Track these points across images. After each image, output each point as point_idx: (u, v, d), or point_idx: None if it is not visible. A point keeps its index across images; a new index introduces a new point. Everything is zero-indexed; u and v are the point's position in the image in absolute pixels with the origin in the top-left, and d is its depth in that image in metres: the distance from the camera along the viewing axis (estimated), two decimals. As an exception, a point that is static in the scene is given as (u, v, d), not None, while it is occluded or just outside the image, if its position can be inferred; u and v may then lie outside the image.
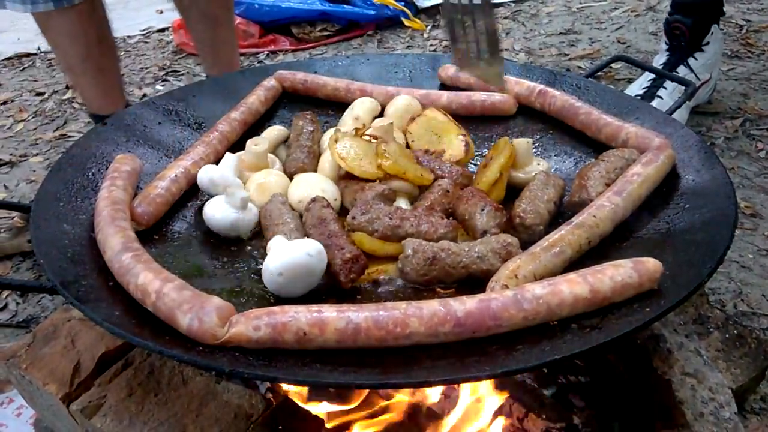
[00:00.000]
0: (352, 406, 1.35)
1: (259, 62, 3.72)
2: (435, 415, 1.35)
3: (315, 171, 1.58)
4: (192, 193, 1.54)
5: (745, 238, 2.11)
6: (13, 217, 2.28)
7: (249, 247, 1.40)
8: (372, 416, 1.35)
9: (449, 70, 1.95)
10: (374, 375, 1.00)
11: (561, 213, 1.47)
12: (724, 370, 1.33)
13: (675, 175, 1.45)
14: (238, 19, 3.71)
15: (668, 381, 1.27)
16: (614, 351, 1.38)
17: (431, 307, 1.03)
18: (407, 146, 1.67)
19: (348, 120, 1.75)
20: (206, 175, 1.49)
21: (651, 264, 1.12)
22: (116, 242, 1.20)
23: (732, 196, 1.30)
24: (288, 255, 1.18)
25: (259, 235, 1.42)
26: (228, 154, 1.57)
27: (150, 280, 1.09)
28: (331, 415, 1.33)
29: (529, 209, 1.36)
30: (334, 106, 1.91)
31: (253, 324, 1.01)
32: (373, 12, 4.01)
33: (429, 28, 4.10)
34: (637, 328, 1.04)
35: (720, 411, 1.22)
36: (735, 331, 1.41)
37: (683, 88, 1.85)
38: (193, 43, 3.86)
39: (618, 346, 1.36)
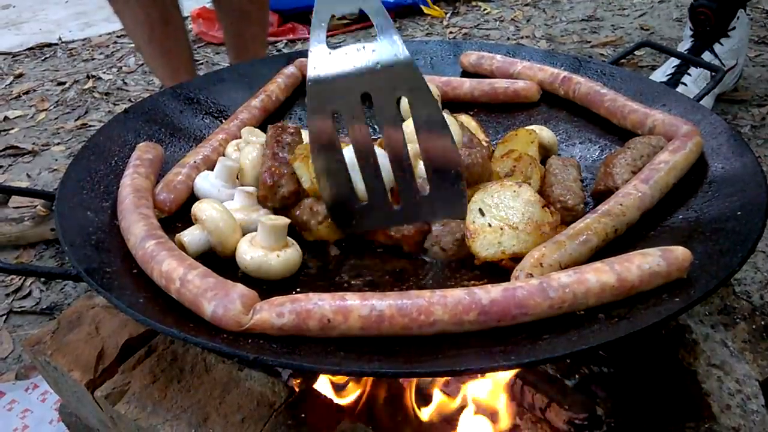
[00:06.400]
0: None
1: (277, 51, 3.72)
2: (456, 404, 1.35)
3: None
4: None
5: (772, 228, 2.07)
6: (36, 206, 2.30)
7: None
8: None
9: (471, 56, 1.93)
10: (399, 364, 0.99)
11: (586, 202, 1.45)
12: (750, 361, 1.31)
13: (703, 162, 1.43)
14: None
15: (694, 372, 1.25)
16: (640, 341, 1.36)
17: (456, 295, 1.02)
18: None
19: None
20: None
21: (680, 252, 1.09)
22: (140, 229, 1.20)
23: (763, 184, 1.27)
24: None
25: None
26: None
27: (174, 267, 1.09)
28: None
29: (566, 191, 1.35)
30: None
31: (276, 311, 1.01)
32: (392, 0, 3.99)
33: (448, 15, 4.07)
34: (667, 318, 1.01)
35: (747, 403, 1.20)
36: (762, 323, 1.38)
37: (708, 75, 1.83)
38: (212, 33, 3.88)
39: (646, 336, 1.34)
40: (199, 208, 1.28)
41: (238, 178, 1.47)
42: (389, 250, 1.31)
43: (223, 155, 1.56)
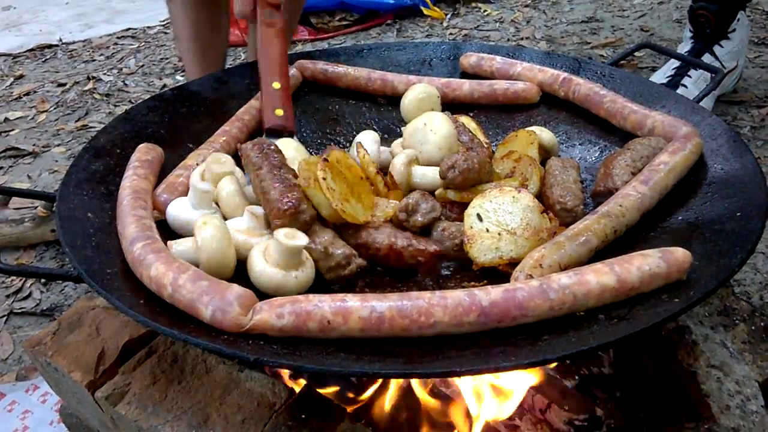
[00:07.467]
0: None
1: (277, 52, 3.71)
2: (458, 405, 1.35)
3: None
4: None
5: (771, 229, 2.07)
6: (37, 207, 2.30)
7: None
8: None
9: (471, 58, 1.93)
10: (399, 365, 0.99)
11: (586, 204, 1.46)
12: (750, 362, 1.31)
13: (703, 164, 1.43)
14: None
15: (694, 373, 1.25)
16: (639, 342, 1.36)
17: (456, 296, 1.02)
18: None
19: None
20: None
21: (680, 254, 1.10)
22: (130, 232, 1.19)
23: (763, 185, 1.27)
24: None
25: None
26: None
27: (163, 272, 1.07)
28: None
29: (566, 193, 1.36)
30: (354, 96, 1.90)
31: (276, 312, 1.00)
32: (392, 1, 3.99)
33: (448, 16, 4.07)
34: (666, 319, 1.01)
35: (746, 404, 1.20)
36: (761, 324, 1.38)
37: (708, 76, 1.82)
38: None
39: (645, 337, 1.34)
40: (198, 226, 1.20)
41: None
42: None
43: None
